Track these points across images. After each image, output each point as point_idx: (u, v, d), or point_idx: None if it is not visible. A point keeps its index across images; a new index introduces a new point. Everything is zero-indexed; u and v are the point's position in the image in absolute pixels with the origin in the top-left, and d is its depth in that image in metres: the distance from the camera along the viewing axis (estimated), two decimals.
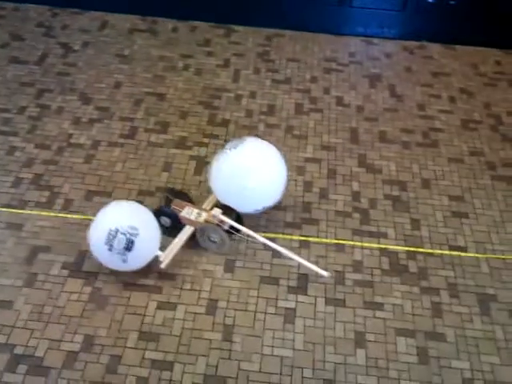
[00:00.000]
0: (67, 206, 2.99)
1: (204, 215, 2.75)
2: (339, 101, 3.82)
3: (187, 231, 2.76)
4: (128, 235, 2.24)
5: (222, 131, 3.52)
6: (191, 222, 2.76)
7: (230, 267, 2.74)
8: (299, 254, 2.74)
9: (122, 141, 3.42)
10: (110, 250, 2.26)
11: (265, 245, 2.75)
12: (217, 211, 2.73)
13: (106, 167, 3.24)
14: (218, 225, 2.71)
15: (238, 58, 4.16)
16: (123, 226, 2.23)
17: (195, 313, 2.56)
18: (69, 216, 2.94)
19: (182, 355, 2.41)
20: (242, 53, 4.21)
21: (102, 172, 3.21)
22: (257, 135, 3.34)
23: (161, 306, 2.57)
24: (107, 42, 4.22)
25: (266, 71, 4.05)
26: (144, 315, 2.54)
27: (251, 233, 2.73)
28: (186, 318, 2.54)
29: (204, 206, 2.86)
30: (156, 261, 2.63)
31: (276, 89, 3.90)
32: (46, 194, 3.06)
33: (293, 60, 4.17)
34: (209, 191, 2.96)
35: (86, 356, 2.38)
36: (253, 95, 3.82)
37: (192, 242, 2.77)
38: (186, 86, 3.85)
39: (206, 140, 3.45)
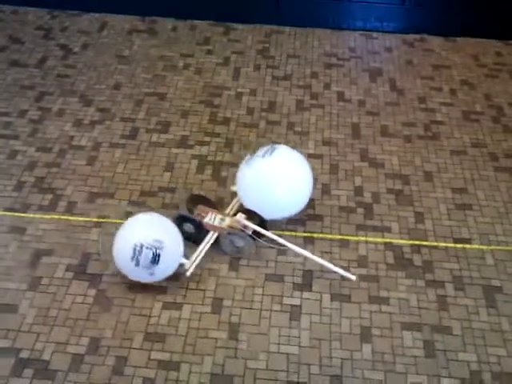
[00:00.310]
0: (70, 209, 2.99)
1: (227, 221, 2.74)
2: (340, 96, 3.82)
3: (211, 237, 2.75)
4: (154, 249, 2.24)
5: (224, 129, 3.52)
6: (215, 228, 2.75)
7: (234, 266, 2.73)
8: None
9: (123, 141, 3.42)
10: (136, 265, 2.25)
11: (292, 250, 2.73)
12: (241, 216, 2.72)
13: (108, 168, 3.24)
14: (241, 230, 2.70)
15: (238, 55, 4.16)
16: (148, 241, 2.23)
17: (201, 312, 2.56)
18: (72, 218, 2.94)
19: (189, 355, 2.41)
20: (241, 50, 4.21)
21: (104, 173, 3.21)
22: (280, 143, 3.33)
23: (166, 307, 2.57)
24: (107, 43, 4.23)
25: (266, 68, 4.05)
26: (149, 316, 2.54)
27: (275, 237, 2.71)
28: (192, 317, 2.54)
29: (227, 211, 2.85)
30: (181, 268, 2.62)
31: (276, 85, 3.89)
32: (49, 196, 3.06)
33: (293, 56, 4.17)
34: (232, 196, 2.97)
35: (92, 358, 2.38)
36: (253, 92, 3.82)
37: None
38: (186, 85, 3.85)
39: (207, 139, 3.45)
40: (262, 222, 2.75)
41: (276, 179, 2.73)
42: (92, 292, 2.61)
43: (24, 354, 2.38)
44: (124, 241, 2.26)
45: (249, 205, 2.79)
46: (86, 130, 3.49)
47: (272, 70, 4.03)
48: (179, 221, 2.75)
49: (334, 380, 2.34)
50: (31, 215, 2.95)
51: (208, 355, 2.40)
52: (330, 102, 3.76)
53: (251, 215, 2.74)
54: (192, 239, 2.76)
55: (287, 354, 2.42)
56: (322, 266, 2.70)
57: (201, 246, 2.70)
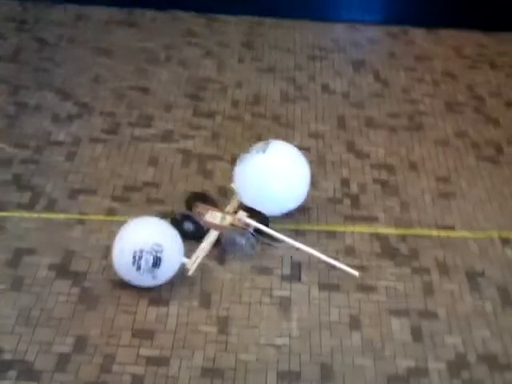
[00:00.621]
0: (51, 206, 2.93)
1: (229, 219, 2.71)
2: (325, 88, 3.81)
3: (212, 236, 2.72)
4: (154, 253, 2.25)
5: (209, 122, 3.49)
6: (216, 227, 2.72)
7: (221, 259, 2.70)
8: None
9: (104, 136, 3.36)
10: (138, 270, 2.25)
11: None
12: (242, 214, 2.69)
13: (89, 164, 3.18)
14: (243, 228, 2.67)
15: (222, 47, 4.13)
16: (147, 245, 2.23)
17: (189, 307, 2.52)
18: (53, 216, 2.89)
19: (178, 350, 2.37)
20: (225, 42, 4.18)
21: (85, 169, 3.15)
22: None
23: (153, 303, 2.53)
24: (84, 35, 4.16)
25: (251, 60, 4.03)
26: (136, 313, 2.49)
27: (278, 235, 2.69)
28: (180, 312, 2.50)
29: (227, 209, 2.82)
30: (183, 268, 2.59)
31: (261, 78, 3.88)
32: (28, 194, 2.98)
33: (276, 48, 4.15)
34: (231, 193, 2.93)
35: (78, 357, 2.33)
36: (238, 85, 3.80)
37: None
38: (169, 77, 3.81)
39: (192, 132, 3.42)
40: (264, 220, 2.72)
41: (274, 175, 2.72)
42: (76, 290, 2.56)
43: (7, 356, 2.31)
44: (123, 247, 2.26)
45: (248, 202, 2.77)
46: (64, 124, 3.42)
47: (256, 62, 4.02)
48: (179, 220, 2.73)
49: (324, 368, 2.33)
50: (10, 214, 2.88)
51: (198, 349, 2.37)
52: (315, 94, 3.75)
53: (252, 213, 2.71)
54: (192, 238, 2.72)
55: (278, 345, 2.40)
56: (310, 256, 2.70)
57: (202, 245, 2.67)
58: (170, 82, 3.73)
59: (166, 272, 2.44)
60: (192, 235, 2.73)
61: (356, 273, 2.60)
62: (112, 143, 3.32)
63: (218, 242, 2.73)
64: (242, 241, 2.66)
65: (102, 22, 4.29)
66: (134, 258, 2.25)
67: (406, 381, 2.30)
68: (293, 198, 2.80)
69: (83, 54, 3.99)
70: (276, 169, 2.72)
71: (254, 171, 2.72)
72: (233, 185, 2.88)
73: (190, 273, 2.58)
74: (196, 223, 2.70)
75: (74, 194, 3.01)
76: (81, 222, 2.87)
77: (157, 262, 2.29)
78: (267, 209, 2.72)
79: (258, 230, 2.69)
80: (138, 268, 2.27)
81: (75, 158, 3.22)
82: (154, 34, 4.18)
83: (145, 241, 2.27)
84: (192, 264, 2.59)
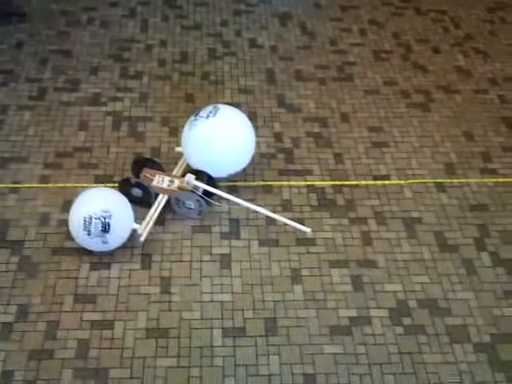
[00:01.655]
0: None
1: (176, 182, 2.69)
2: (252, 42, 3.79)
3: (161, 200, 2.69)
4: (102, 219, 2.33)
5: (137, 84, 3.43)
6: (164, 191, 2.69)
7: (160, 220, 2.70)
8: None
9: (31, 103, 3.28)
10: (88, 234, 2.34)
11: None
12: (190, 177, 2.66)
13: (18, 132, 3.11)
14: (191, 191, 2.65)
15: (144, 6, 4.04)
16: (96, 212, 2.32)
17: (130, 269, 2.53)
18: None
19: (121, 312, 2.39)
20: (147, 1, 4.09)
21: (14, 137, 3.08)
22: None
23: (94, 267, 2.52)
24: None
25: (175, 18, 3.96)
26: (77, 278, 2.48)
27: (225, 195, 2.68)
28: (121, 275, 2.51)
29: (174, 173, 2.79)
30: (135, 234, 2.58)
31: (187, 35, 3.82)
32: None
33: (201, 4, 4.09)
34: (177, 156, 2.91)
35: (22, 326, 2.32)
36: (164, 44, 3.73)
37: None
38: (92, 40, 3.71)
39: (120, 94, 3.36)
40: (211, 180, 2.72)
41: (222, 140, 2.70)
42: (15, 259, 2.53)
43: None
44: (75, 215, 2.36)
45: (195, 165, 2.75)
46: None
47: (181, 19, 3.95)
48: (126, 186, 2.69)
49: (268, 322, 2.38)
50: None
51: (141, 311, 2.39)
52: (243, 49, 3.73)
53: (199, 175, 2.70)
54: (142, 203, 2.70)
55: (220, 301, 2.44)
56: (248, 213, 2.74)
57: (151, 210, 2.65)
58: (93, 45, 3.64)
59: (117, 237, 2.47)
60: (141, 201, 2.71)
61: (308, 229, 2.63)
62: (40, 110, 3.24)
63: (167, 207, 2.72)
64: (191, 203, 2.65)
65: None
66: (85, 223, 2.35)
67: (348, 330, 2.38)
68: (239, 162, 2.81)
69: (2, 20, 3.81)
70: (224, 134, 2.71)
71: (202, 136, 2.70)
72: (179, 148, 2.85)
73: (142, 238, 2.57)
74: (144, 189, 2.68)
75: (4, 162, 2.94)
76: (14, 190, 2.81)
77: (105, 228, 2.37)
78: (213, 172, 2.73)
79: (205, 192, 2.68)
80: (89, 233, 2.36)
81: (3, 126, 3.13)
82: None
83: (94, 208, 2.37)
84: (143, 229, 2.58)
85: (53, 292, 2.43)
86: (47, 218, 2.69)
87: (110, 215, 2.40)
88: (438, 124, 3.29)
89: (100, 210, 2.39)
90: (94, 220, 2.37)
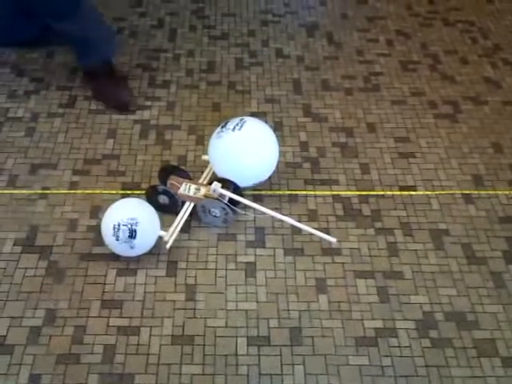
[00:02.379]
0: (12, 182, 2.91)
1: (203, 190, 2.71)
2: (279, 52, 3.80)
3: (187, 208, 2.71)
4: (129, 225, 2.44)
5: (164, 93, 3.46)
6: (190, 199, 2.71)
7: (186, 227, 2.71)
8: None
9: (61, 111, 3.32)
10: (117, 240, 2.46)
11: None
12: (216, 185, 2.67)
13: (48, 139, 3.15)
14: (217, 199, 2.66)
15: (172, 16, 4.08)
16: (123, 219, 2.45)
17: (156, 276, 2.55)
18: (15, 192, 2.86)
19: (147, 319, 2.40)
20: (175, 11, 4.13)
21: (44, 144, 3.12)
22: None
23: (120, 273, 2.55)
24: None
25: (203, 28, 3.99)
26: (104, 284, 2.51)
27: (251, 204, 2.69)
28: (147, 282, 2.52)
29: (201, 181, 2.81)
30: (161, 241, 2.60)
31: (214, 45, 3.84)
32: None
33: (228, 15, 4.12)
34: (203, 164, 2.92)
35: (49, 330, 2.35)
36: (191, 54, 3.76)
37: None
38: (121, 49, 3.74)
39: (148, 103, 3.39)
40: (236, 189, 2.73)
41: (248, 152, 2.72)
42: (43, 264, 2.56)
43: None
44: (106, 222, 2.50)
45: (221, 174, 2.77)
46: (21, 100, 3.37)
47: (208, 29, 3.98)
48: (153, 193, 2.72)
49: (293, 331, 2.38)
50: None
51: (167, 317, 2.40)
52: (269, 59, 3.74)
53: (225, 183, 2.71)
54: (168, 211, 2.73)
55: (245, 310, 2.44)
56: (273, 222, 2.75)
57: (178, 218, 2.67)
58: (122, 54, 3.68)
59: (143, 243, 2.53)
60: (168, 208, 2.74)
61: (333, 239, 2.62)
62: (70, 117, 3.28)
63: (193, 214, 2.74)
64: (217, 211, 2.66)
65: None
66: (114, 230, 2.46)
67: (374, 342, 2.36)
68: (263, 173, 2.83)
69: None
70: (249, 146, 2.73)
71: (227, 147, 2.72)
72: (206, 156, 2.87)
73: (168, 245, 2.59)
74: (171, 196, 2.70)
75: (34, 169, 2.98)
76: (43, 196, 2.85)
77: (132, 234, 2.45)
78: (238, 181, 2.74)
79: (231, 200, 2.69)
80: (117, 238, 2.46)
81: (34, 133, 3.18)
82: (104, 6, 4.03)
83: (122, 216, 2.48)
84: (169, 237, 2.60)
85: (80, 297, 2.46)
86: (75, 223, 2.73)
87: (137, 222, 2.46)
88: (465, 135, 3.27)
89: (127, 217, 2.47)
90: (121, 227, 2.45)
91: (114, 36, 3.59)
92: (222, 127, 2.75)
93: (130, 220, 2.46)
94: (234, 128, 2.70)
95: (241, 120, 2.74)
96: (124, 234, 2.45)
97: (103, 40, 3.32)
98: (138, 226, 2.46)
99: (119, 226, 2.45)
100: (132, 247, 2.50)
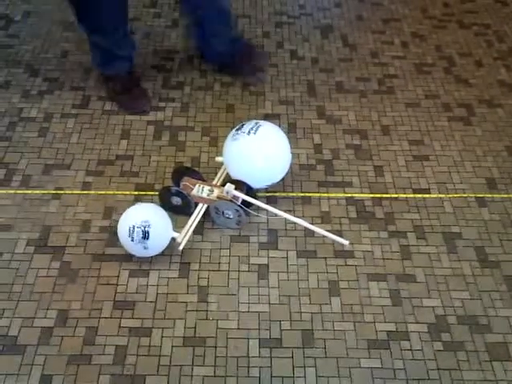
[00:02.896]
0: (26, 182, 2.92)
1: (216, 192, 2.71)
2: (293, 54, 3.79)
3: (201, 209, 2.72)
4: (142, 227, 2.49)
5: (178, 94, 3.47)
6: (204, 200, 2.72)
7: (198, 229, 2.71)
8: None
9: (75, 111, 3.33)
10: (132, 241, 2.50)
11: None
12: (230, 186, 2.68)
13: (61, 139, 3.16)
14: (231, 200, 2.66)
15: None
16: (137, 222, 2.51)
17: (168, 277, 2.55)
18: (28, 192, 2.88)
19: (159, 320, 2.40)
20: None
21: (58, 145, 3.14)
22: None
23: (133, 274, 2.55)
24: (49, 10, 4.09)
25: None
26: (117, 284, 2.52)
27: (265, 206, 2.69)
28: (160, 283, 2.53)
29: (214, 182, 2.82)
30: (174, 243, 2.61)
31: None
32: (2, 171, 2.97)
33: (243, 16, 4.11)
34: (217, 166, 2.94)
35: (61, 330, 2.36)
36: None
37: None
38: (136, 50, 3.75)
39: (162, 104, 3.40)
40: (250, 191, 2.73)
41: (260, 154, 2.71)
42: (56, 265, 2.57)
43: None
44: (122, 225, 2.55)
45: (234, 175, 2.78)
46: (35, 100, 3.39)
47: None
48: (166, 194, 2.73)
49: (305, 334, 2.37)
50: None
51: (179, 319, 2.41)
52: (284, 61, 3.74)
53: (239, 185, 2.71)
54: (181, 212, 2.74)
55: (258, 312, 2.44)
56: (286, 223, 2.74)
57: (191, 219, 2.67)
58: (137, 55, 3.66)
59: (156, 244, 2.56)
60: (181, 210, 2.74)
61: (346, 242, 2.61)
62: (83, 118, 3.29)
63: (206, 216, 2.74)
64: (230, 213, 2.66)
65: None
66: (129, 231, 2.50)
67: (386, 344, 2.36)
68: (276, 175, 2.82)
69: (50, 30, 3.91)
70: (264, 150, 2.72)
71: (241, 150, 2.72)
72: (219, 158, 2.88)
73: (181, 247, 2.60)
74: (184, 197, 2.70)
75: (48, 169, 2.99)
76: (56, 196, 2.86)
77: (145, 235, 2.49)
78: (251, 183, 2.74)
79: (244, 202, 2.69)
80: (132, 239, 2.50)
81: (48, 133, 3.19)
82: None
83: (136, 219, 2.53)
84: (182, 238, 2.61)
85: (92, 298, 2.47)
86: (88, 224, 2.74)
87: (149, 225, 2.50)
88: (479, 138, 3.25)
89: (140, 220, 2.51)
90: (136, 228, 2.48)
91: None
92: (238, 130, 2.75)
93: (143, 222, 2.49)
94: (250, 131, 2.71)
95: (256, 124, 2.74)
96: (138, 235, 2.48)
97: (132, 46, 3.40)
98: (150, 228, 2.49)
99: (133, 227, 2.49)
100: (146, 248, 2.52)
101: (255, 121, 2.78)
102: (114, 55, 3.27)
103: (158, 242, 2.56)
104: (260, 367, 2.28)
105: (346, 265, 2.62)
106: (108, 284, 2.52)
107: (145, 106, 3.34)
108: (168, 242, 2.59)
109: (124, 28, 3.25)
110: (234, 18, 3.52)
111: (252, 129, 2.72)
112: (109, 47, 3.23)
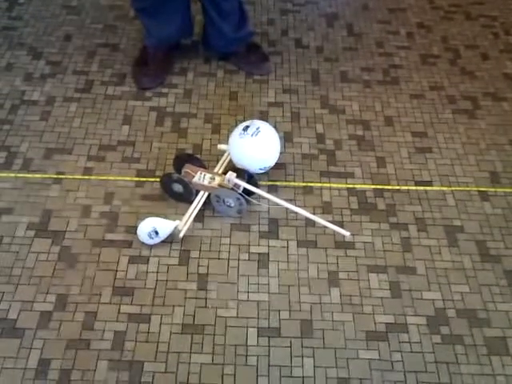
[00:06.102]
0: (27, 166, 2.92)
1: (217, 179, 2.70)
2: (298, 42, 3.77)
3: (202, 197, 2.72)
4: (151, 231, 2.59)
5: (181, 80, 3.45)
6: (205, 188, 2.71)
7: (199, 217, 2.71)
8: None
9: (77, 95, 3.32)
10: (151, 238, 2.58)
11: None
12: (231, 174, 2.67)
13: (63, 123, 3.15)
14: (232, 188, 2.66)
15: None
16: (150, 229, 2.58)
17: (168, 264, 2.55)
18: (29, 176, 2.87)
19: (158, 307, 2.40)
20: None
21: (59, 129, 3.12)
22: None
23: (132, 260, 2.55)
24: None
25: None
26: (116, 270, 2.51)
27: (266, 194, 2.69)
28: (160, 270, 2.53)
29: (216, 170, 2.81)
30: (174, 230, 2.61)
31: None
32: (3, 154, 2.97)
33: (248, 3, 4.07)
34: (219, 153, 2.94)
35: (60, 315, 2.36)
36: None
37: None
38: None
39: (165, 90, 3.38)
40: (251, 179, 2.73)
41: (259, 152, 2.78)
42: (56, 249, 2.57)
43: None
44: (141, 231, 2.62)
45: (235, 161, 2.81)
46: (37, 84, 3.38)
47: None
48: (167, 181, 2.72)
49: (304, 324, 2.37)
50: None
51: (178, 306, 2.41)
52: (288, 49, 3.71)
53: (240, 173, 2.71)
54: (182, 199, 2.74)
55: (257, 301, 2.44)
56: (287, 213, 2.74)
57: (191, 207, 2.67)
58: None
59: (162, 236, 2.63)
60: (182, 197, 2.74)
61: (347, 233, 2.59)
62: (86, 102, 3.28)
63: (207, 204, 2.74)
64: (231, 201, 2.65)
65: None
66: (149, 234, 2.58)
67: (385, 336, 2.36)
68: (270, 162, 2.87)
69: (53, 12, 3.90)
70: (263, 148, 2.78)
71: (246, 148, 2.76)
72: (222, 145, 2.87)
73: (181, 234, 2.59)
74: (185, 185, 2.69)
75: (49, 153, 2.98)
76: (58, 181, 2.86)
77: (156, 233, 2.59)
78: (249, 167, 2.79)
79: (246, 191, 2.68)
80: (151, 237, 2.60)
81: (49, 117, 3.18)
82: None
83: (147, 227, 2.60)
84: (183, 225, 2.61)
85: (91, 283, 2.47)
86: (89, 209, 2.73)
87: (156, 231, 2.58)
88: (483, 131, 3.23)
89: (151, 226, 2.58)
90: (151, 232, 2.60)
91: None
92: (244, 130, 2.77)
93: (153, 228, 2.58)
94: (252, 134, 2.75)
95: (257, 129, 2.77)
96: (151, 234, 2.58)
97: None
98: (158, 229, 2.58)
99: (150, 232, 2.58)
100: (152, 239, 2.61)
101: (256, 125, 2.79)
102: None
103: (164, 233, 2.60)
104: (258, 356, 2.28)
105: (346, 256, 2.61)
106: (108, 270, 2.51)
107: (147, 84, 3.36)
108: (172, 230, 2.60)
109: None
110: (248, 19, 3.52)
111: (254, 133, 2.76)
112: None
